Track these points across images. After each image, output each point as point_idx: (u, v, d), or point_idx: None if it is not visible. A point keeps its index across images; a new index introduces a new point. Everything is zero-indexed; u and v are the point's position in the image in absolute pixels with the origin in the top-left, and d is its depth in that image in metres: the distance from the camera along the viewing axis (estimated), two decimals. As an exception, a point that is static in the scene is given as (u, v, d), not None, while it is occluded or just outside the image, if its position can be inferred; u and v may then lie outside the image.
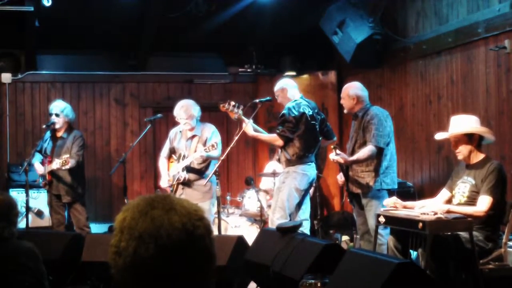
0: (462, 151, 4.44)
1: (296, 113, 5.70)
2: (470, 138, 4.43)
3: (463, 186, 4.45)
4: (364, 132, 5.33)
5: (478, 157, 4.44)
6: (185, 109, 6.08)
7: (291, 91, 5.92)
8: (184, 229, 1.31)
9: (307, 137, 5.74)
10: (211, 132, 6.13)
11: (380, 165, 5.31)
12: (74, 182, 6.41)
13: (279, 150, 6.01)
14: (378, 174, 5.30)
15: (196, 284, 1.33)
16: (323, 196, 8.22)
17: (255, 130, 5.91)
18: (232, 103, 5.86)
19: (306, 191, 5.83)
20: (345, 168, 5.43)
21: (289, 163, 5.76)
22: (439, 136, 4.71)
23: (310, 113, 5.79)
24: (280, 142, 5.74)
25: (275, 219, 5.55)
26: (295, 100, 5.84)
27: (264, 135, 6.00)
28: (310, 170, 5.78)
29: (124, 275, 1.31)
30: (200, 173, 6.10)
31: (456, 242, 4.20)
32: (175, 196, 1.40)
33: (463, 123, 4.50)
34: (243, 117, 5.84)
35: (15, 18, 7.70)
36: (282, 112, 5.80)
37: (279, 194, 5.74)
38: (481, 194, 4.27)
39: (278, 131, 5.72)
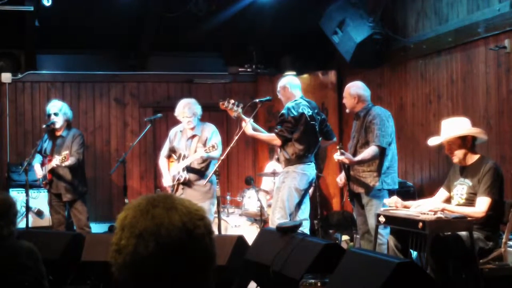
0: (458, 154, 4.43)
1: (295, 113, 5.70)
2: (464, 141, 4.42)
3: (461, 188, 4.44)
4: (366, 132, 5.34)
5: (473, 158, 4.44)
6: (189, 107, 6.18)
7: (293, 90, 5.92)
8: (184, 228, 1.31)
9: (307, 137, 5.74)
10: (211, 132, 6.17)
11: (381, 165, 5.31)
12: (74, 180, 6.41)
13: (279, 150, 6.02)
14: (380, 174, 5.31)
15: (196, 284, 1.33)
16: (323, 196, 8.21)
17: (254, 129, 5.92)
18: (232, 101, 5.89)
19: (306, 191, 5.83)
20: (346, 167, 5.44)
21: (289, 162, 5.76)
22: (432, 141, 4.70)
23: (310, 113, 5.79)
24: (278, 141, 5.75)
25: (275, 219, 5.54)
26: (295, 100, 5.83)
27: (262, 135, 6.00)
28: (309, 169, 5.78)
29: (124, 273, 1.31)
30: (200, 173, 6.14)
31: (456, 242, 4.19)
32: (176, 196, 1.40)
33: (455, 126, 4.49)
34: (242, 116, 5.85)
35: (15, 18, 7.69)
36: (282, 112, 5.80)
37: (278, 194, 5.74)
38: (479, 195, 4.26)
39: (276, 130, 5.74)
